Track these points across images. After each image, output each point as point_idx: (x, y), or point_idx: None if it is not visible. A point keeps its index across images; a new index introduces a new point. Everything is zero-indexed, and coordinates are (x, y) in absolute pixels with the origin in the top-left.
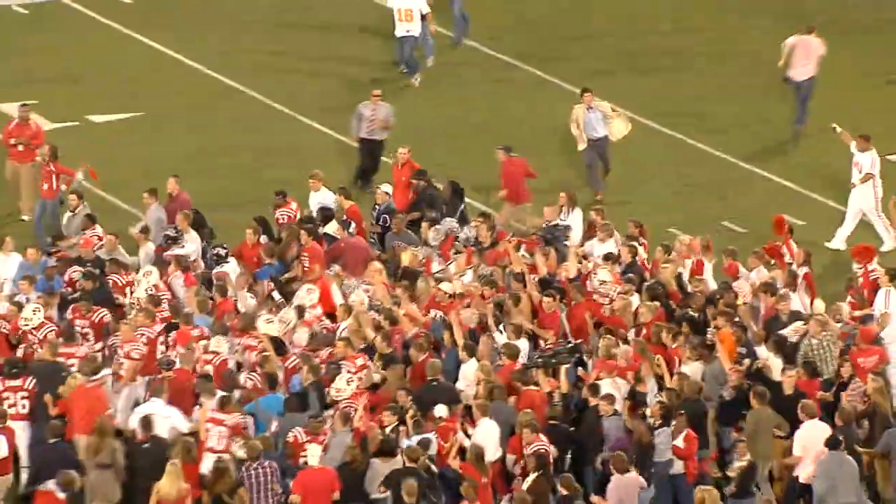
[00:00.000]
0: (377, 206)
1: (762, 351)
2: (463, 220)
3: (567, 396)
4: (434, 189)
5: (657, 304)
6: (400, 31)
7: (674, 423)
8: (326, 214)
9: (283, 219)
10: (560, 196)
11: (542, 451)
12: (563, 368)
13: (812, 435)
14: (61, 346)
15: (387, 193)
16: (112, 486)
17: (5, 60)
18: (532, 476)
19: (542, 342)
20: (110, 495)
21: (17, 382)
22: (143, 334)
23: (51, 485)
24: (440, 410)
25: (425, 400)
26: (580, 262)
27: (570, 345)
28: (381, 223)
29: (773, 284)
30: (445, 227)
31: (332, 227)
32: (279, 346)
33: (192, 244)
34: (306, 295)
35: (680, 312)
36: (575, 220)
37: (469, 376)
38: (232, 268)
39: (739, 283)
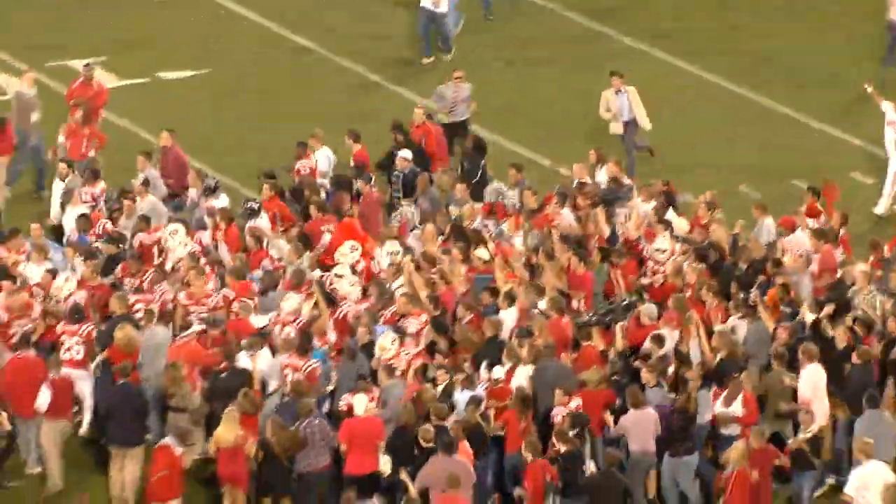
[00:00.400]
0: (398, 173)
1: (812, 307)
2: (484, 176)
3: (622, 354)
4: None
5: (703, 265)
6: (425, 3)
7: (726, 387)
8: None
9: (304, 170)
10: (590, 153)
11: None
12: (619, 326)
13: (816, 378)
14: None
15: (406, 159)
16: (188, 429)
17: (81, 14)
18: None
19: (574, 303)
20: (187, 438)
21: (75, 327)
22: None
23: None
24: (497, 372)
25: (484, 357)
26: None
27: (624, 302)
28: (403, 188)
29: (826, 231)
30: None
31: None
32: (330, 300)
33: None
34: (350, 252)
35: (725, 270)
36: (602, 178)
37: (510, 324)
38: (264, 222)
39: (794, 237)
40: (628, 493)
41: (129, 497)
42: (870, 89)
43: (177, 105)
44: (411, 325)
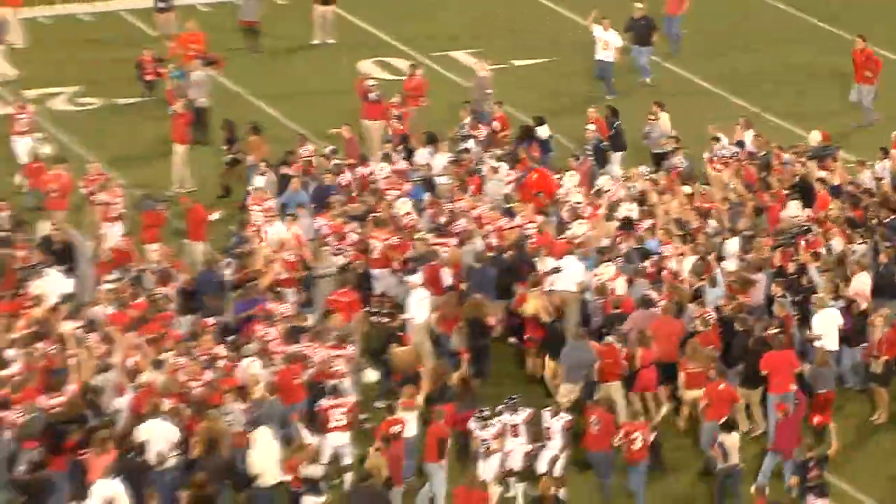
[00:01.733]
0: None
1: None
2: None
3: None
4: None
5: (843, 204)
6: (598, 56)
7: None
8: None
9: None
10: (740, 120)
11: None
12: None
13: (827, 320)
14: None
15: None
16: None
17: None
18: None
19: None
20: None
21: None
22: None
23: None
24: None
25: None
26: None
27: (804, 227)
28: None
29: None
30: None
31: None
32: None
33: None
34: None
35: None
36: (749, 139)
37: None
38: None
39: None
40: None
41: None
42: None
43: (529, 88)
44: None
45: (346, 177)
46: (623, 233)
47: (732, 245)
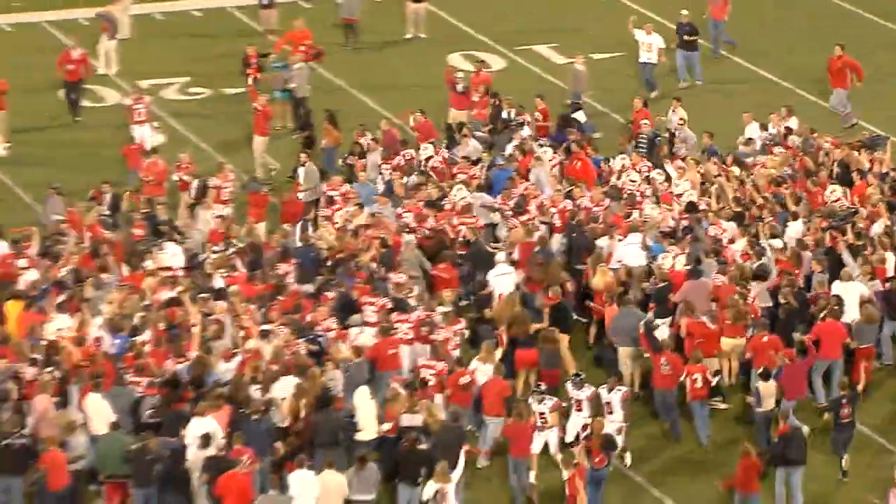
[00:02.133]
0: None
1: None
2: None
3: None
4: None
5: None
6: (642, 59)
7: None
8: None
9: None
10: (781, 109)
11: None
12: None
13: (851, 290)
14: None
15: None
16: None
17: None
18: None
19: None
20: None
21: None
22: None
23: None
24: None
25: None
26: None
27: (852, 209)
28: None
29: None
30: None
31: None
32: None
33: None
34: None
35: None
36: (794, 124)
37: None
38: None
39: None
40: None
41: None
42: None
43: (605, 81)
44: None
45: (437, 159)
46: (687, 215)
47: (795, 227)
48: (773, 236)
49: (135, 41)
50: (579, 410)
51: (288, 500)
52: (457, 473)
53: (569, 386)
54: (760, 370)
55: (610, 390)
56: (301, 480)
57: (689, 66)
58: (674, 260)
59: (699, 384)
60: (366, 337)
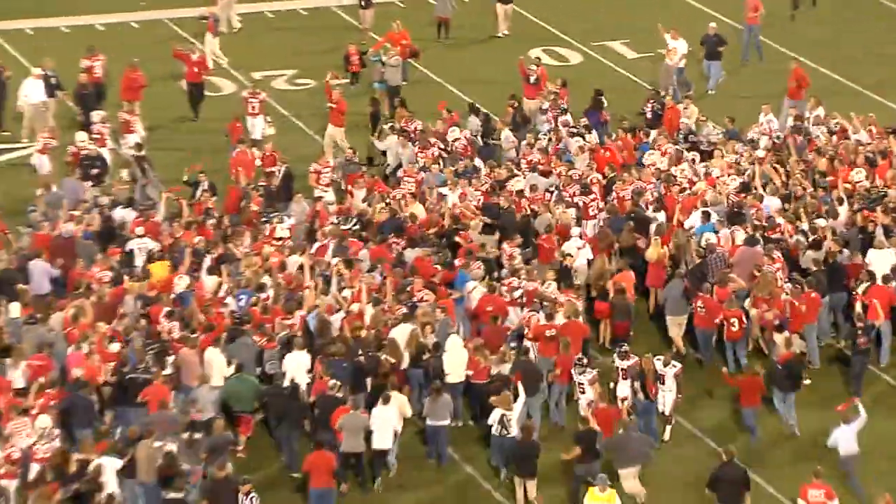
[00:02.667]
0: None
1: None
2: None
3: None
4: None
5: None
6: (668, 62)
7: None
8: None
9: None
10: (810, 98)
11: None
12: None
13: (881, 258)
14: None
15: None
16: None
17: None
18: None
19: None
20: None
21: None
22: None
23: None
24: None
25: None
26: None
27: (882, 192)
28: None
29: None
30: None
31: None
32: None
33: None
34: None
35: None
36: (819, 113)
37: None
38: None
39: None
40: None
41: None
42: None
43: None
44: None
45: (461, 141)
46: (742, 195)
47: (843, 209)
48: (818, 216)
49: (247, 36)
50: (625, 379)
51: (365, 420)
52: (519, 402)
53: (615, 357)
54: (777, 322)
55: (666, 364)
56: (381, 411)
57: (711, 76)
58: (732, 236)
59: (735, 328)
60: (478, 293)
